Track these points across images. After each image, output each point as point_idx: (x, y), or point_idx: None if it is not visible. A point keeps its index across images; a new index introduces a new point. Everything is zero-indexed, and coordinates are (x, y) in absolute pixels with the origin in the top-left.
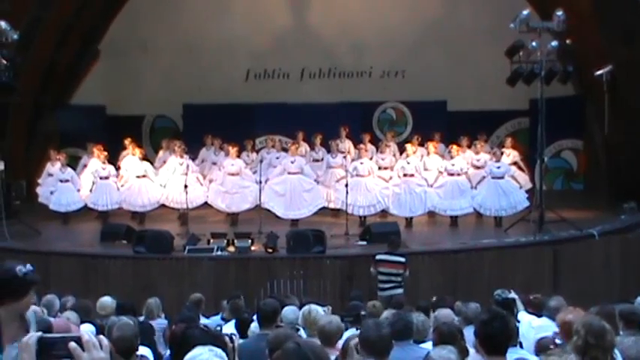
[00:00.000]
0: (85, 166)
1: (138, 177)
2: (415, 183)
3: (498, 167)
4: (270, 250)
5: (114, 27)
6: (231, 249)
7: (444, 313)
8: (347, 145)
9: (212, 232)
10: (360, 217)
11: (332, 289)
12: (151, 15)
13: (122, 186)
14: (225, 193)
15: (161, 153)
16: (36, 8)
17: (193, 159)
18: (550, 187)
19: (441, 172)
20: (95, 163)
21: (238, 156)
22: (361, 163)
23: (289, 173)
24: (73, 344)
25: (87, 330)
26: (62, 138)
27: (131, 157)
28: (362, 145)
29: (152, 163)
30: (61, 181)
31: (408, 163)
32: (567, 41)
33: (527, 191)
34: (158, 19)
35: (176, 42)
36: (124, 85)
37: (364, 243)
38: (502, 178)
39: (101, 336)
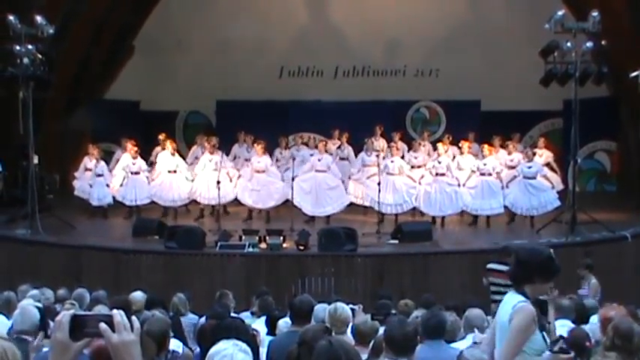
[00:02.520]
0: (117, 160)
1: (169, 172)
2: (446, 182)
3: (530, 167)
4: (301, 248)
5: (148, 23)
6: (263, 246)
7: (475, 314)
8: (381, 143)
9: (244, 229)
10: (394, 215)
11: (363, 287)
12: (185, 11)
13: (153, 180)
14: (252, 190)
15: (194, 149)
16: (71, 3)
17: (227, 154)
18: (583, 188)
19: (473, 172)
20: (126, 157)
21: (265, 152)
22: (391, 162)
23: (316, 171)
24: (103, 325)
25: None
26: (96, 133)
27: (164, 152)
28: (393, 144)
29: (185, 159)
30: (97, 175)
31: (439, 162)
32: (602, 42)
33: (559, 192)
34: (192, 16)
35: (210, 38)
36: (157, 81)
37: (395, 242)
38: (534, 178)
39: (133, 317)
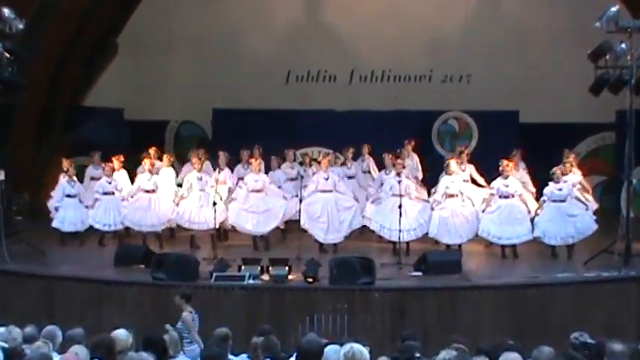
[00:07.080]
0: (91, 177)
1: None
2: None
3: (560, 189)
4: (310, 280)
5: (135, 18)
6: (266, 277)
7: (512, 358)
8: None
9: (244, 258)
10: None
11: (381, 326)
12: (177, 7)
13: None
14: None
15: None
16: None
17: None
18: (638, 214)
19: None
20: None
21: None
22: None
23: (322, 191)
24: None
25: None
26: (74, 145)
27: (165, 169)
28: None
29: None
30: (68, 196)
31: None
32: None
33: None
34: (185, 12)
35: (206, 38)
36: (145, 86)
37: (419, 274)
38: (564, 201)
39: None
